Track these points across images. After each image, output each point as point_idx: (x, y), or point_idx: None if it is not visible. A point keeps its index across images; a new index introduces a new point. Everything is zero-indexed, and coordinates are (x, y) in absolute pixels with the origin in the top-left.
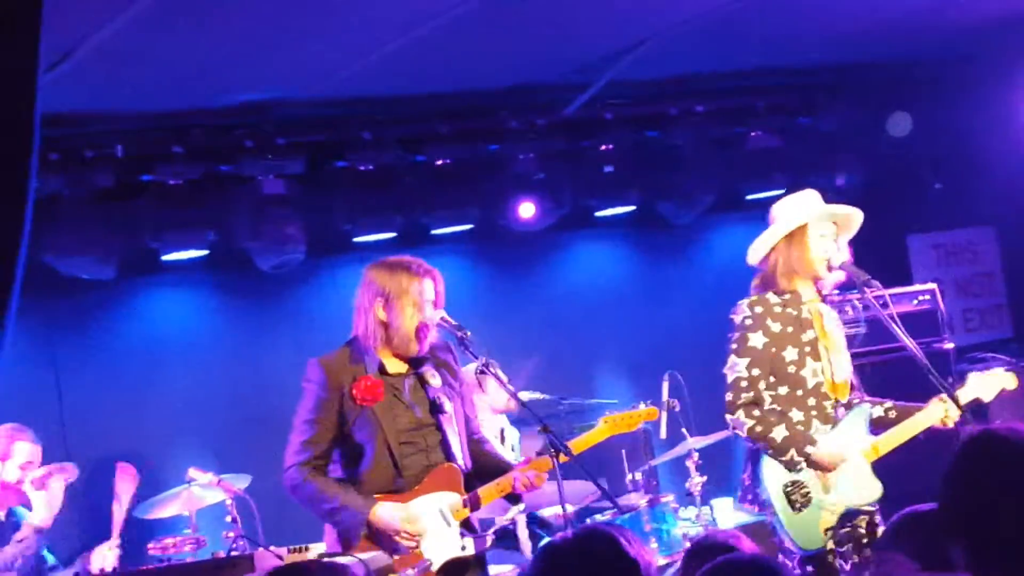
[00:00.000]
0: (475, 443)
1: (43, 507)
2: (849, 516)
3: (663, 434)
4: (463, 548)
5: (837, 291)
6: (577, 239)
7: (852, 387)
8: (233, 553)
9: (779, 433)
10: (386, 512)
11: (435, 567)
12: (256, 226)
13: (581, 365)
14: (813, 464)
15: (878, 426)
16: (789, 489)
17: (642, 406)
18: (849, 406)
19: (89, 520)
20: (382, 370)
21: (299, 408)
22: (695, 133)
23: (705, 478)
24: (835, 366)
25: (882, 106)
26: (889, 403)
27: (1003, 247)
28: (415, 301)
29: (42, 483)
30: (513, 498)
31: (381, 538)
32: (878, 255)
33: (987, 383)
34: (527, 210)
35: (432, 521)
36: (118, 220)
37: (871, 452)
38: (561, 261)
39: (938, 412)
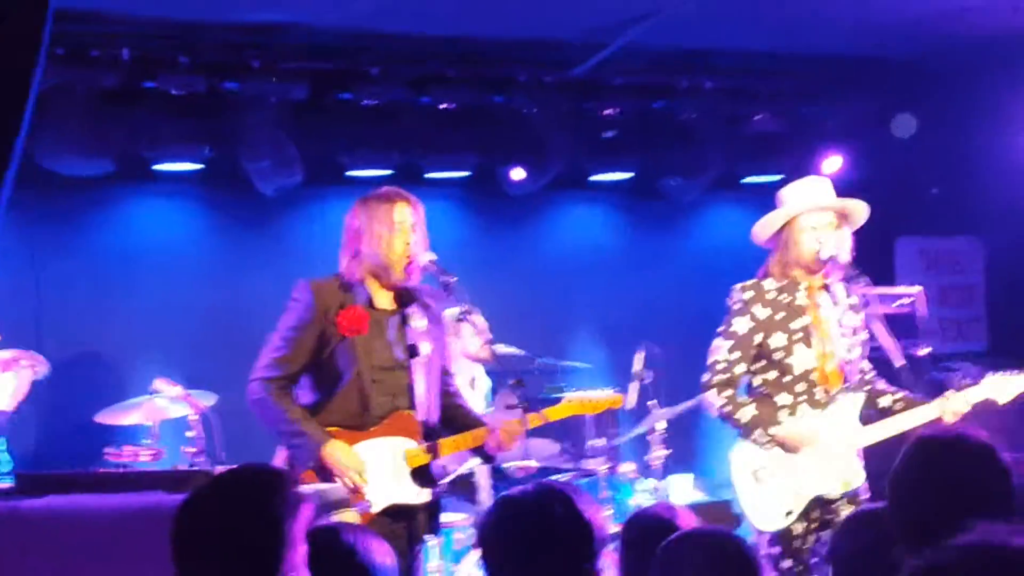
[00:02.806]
0: (449, 396)
1: (8, 388)
2: (822, 502)
3: (631, 403)
4: (416, 494)
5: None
6: (570, 200)
7: (847, 376)
8: (193, 468)
9: (746, 413)
10: (339, 450)
11: (375, 509)
12: (253, 147)
13: (559, 326)
14: (778, 443)
15: (885, 415)
16: (754, 470)
17: (610, 391)
18: (847, 392)
19: (48, 420)
20: (370, 303)
21: (279, 324)
22: (701, 109)
23: (668, 452)
24: (827, 355)
25: (888, 105)
26: (901, 394)
27: (988, 260)
28: (390, 225)
29: (9, 366)
30: (485, 456)
31: (327, 474)
32: (864, 253)
33: (1005, 385)
34: (518, 174)
35: (381, 464)
36: (115, 123)
37: (858, 441)
38: (552, 220)
39: (933, 413)
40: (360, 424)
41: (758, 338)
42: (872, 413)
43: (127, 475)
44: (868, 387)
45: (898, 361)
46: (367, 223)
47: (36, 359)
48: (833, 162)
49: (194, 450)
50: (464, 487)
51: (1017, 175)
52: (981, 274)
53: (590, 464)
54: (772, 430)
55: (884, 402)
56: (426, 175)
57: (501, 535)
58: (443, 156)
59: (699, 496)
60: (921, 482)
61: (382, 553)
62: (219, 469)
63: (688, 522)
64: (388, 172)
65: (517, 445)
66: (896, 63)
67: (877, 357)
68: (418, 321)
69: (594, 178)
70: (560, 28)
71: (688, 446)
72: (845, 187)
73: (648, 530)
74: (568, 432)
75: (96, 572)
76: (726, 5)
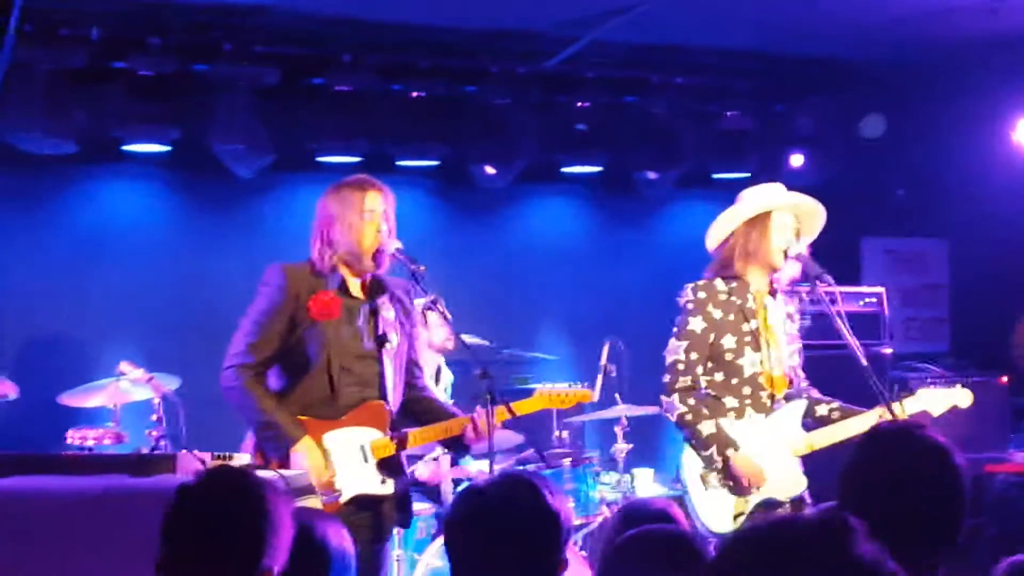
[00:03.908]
0: (416, 389)
1: None
2: (767, 506)
3: (595, 396)
4: (382, 484)
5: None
6: (540, 192)
7: (791, 382)
8: (156, 451)
9: (706, 428)
10: (307, 451)
11: (343, 499)
12: (223, 131)
13: (526, 317)
14: (728, 468)
15: (821, 423)
16: (703, 472)
17: (579, 386)
18: (788, 399)
19: (11, 401)
20: (343, 289)
21: (250, 309)
22: (672, 105)
23: (631, 446)
24: (773, 359)
25: (858, 105)
26: (836, 404)
27: (953, 262)
28: (361, 213)
29: None
30: (461, 447)
31: (296, 467)
32: (830, 253)
33: (939, 397)
34: (491, 169)
35: (348, 454)
36: (83, 103)
37: (802, 448)
38: (521, 211)
39: (871, 421)
40: (329, 413)
41: (711, 338)
42: (809, 422)
43: (90, 458)
44: (806, 393)
45: (862, 360)
46: (339, 210)
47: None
48: (796, 159)
49: (157, 433)
50: (423, 486)
51: (984, 177)
52: (946, 275)
53: (555, 455)
54: (728, 452)
55: (821, 411)
56: (396, 163)
57: (466, 525)
58: (413, 145)
59: (660, 490)
60: (873, 476)
61: (339, 537)
62: (181, 453)
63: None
64: (358, 159)
65: (482, 439)
66: (865, 65)
67: (840, 355)
68: (387, 311)
69: (565, 170)
70: (533, 20)
71: (649, 441)
72: (813, 187)
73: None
74: (531, 423)
75: (57, 554)
76: (699, 2)
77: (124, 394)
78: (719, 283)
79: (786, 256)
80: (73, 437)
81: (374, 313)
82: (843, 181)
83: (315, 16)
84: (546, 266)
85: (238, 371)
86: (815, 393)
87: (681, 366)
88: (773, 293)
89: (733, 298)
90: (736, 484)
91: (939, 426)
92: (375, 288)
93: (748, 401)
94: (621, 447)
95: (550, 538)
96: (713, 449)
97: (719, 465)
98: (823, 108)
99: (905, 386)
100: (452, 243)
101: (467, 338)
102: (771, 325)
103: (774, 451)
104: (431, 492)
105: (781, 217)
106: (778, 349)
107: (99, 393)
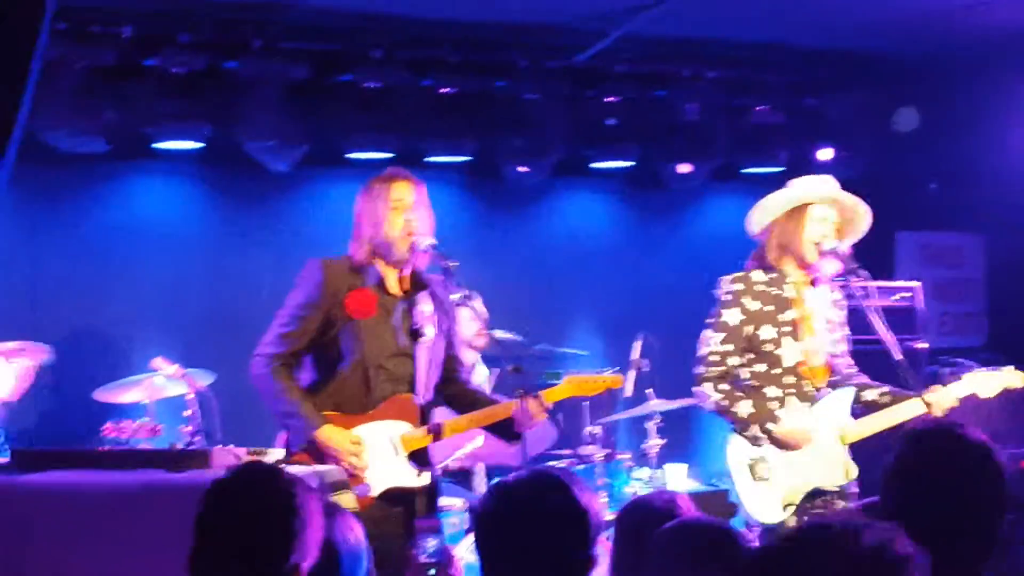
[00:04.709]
0: (458, 383)
1: (11, 379)
2: (817, 495)
3: (628, 391)
4: (413, 477)
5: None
6: (570, 188)
7: (833, 370)
8: (191, 447)
9: (743, 408)
10: (332, 434)
11: (374, 492)
12: (253, 127)
13: (557, 313)
14: (774, 441)
15: (872, 409)
16: (751, 463)
17: (608, 372)
18: (834, 387)
19: (46, 397)
20: (381, 286)
21: (288, 300)
22: (703, 99)
23: (663, 441)
24: (814, 349)
25: (891, 99)
26: (886, 388)
27: (989, 256)
28: (387, 202)
29: (10, 356)
30: (510, 434)
31: (322, 457)
32: (864, 248)
33: (988, 380)
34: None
35: (378, 448)
36: (115, 100)
37: (850, 435)
38: (551, 207)
39: (920, 407)
40: (362, 408)
41: (748, 330)
42: (857, 408)
43: (124, 453)
44: (852, 382)
45: (897, 355)
46: (368, 203)
47: (37, 348)
48: (824, 153)
49: (190, 429)
50: (458, 475)
51: (1018, 170)
52: (981, 269)
53: (587, 451)
54: (769, 425)
55: (869, 396)
56: (426, 159)
57: (496, 521)
58: (443, 140)
59: (694, 485)
60: (914, 476)
61: (349, 531)
62: (216, 449)
63: (687, 510)
64: (388, 155)
65: (537, 423)
66: (899, 58)
67: (875, 351)
68: (425, 305)
69: (595, 165)
70: (563, 15)
71: (682, 436)
72: (845, 181)
73: (646, 518)
74: (563, 419)
75: (92, 549)
76: None
77: (158, 390)
78: (758, 274)
79: (820, 251)
80: (109, 431)
81: (410, 308)
82: (877, 175)
83: (344, 11)
84: (577, 261)
85: (268, 359)
86: (864, 379)
87: (714, 357)
88: (815, 283)
89: (771, 289)
90: (785, 448)
91: (975, 422)
92: (413, 283)
93: (791, 391)
94: (653, 443)
95: (579, 535)
96: (756, 427)
97: (764, 441)
98: (855, 102)
99: (940, 381)
100: (483, 239)
101: (499, 333)
102: (811, 314)
103: (820, 439)
104: (463, 480)
105: (820, 210)
106: (819, 338)
107: (133, 389)
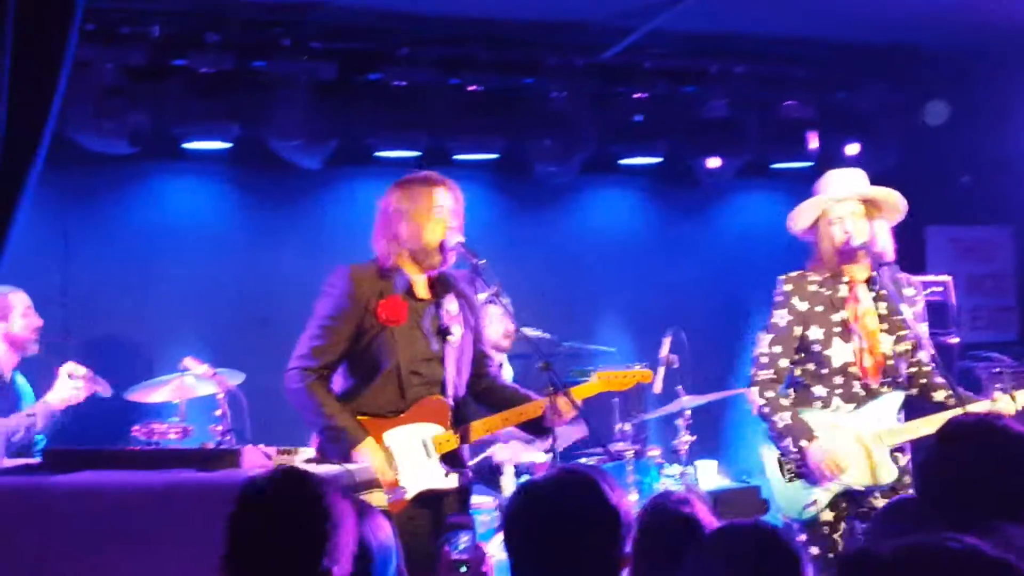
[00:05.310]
0: (488, 379)
1: (65, 391)
2: (851, 495)
3: (658, 388)
4: (446, 478)
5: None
6: (598, 185)
7: (886, 371)
8: (221, 446)
9: (782, 420)
10: (372, 454)
11: (409, 495)
12: (282, 127)
13: (585, 310)
14: (804, 458)
15: (941, 410)
16: (783, 459)
17: (638, 367)
18: (896, 387)
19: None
20: (409, 291)
21: (317, 310)
22: (731, 94)
23: (693, 438)
24: (866, 349)
25: (920, 92)
26: (949, 391)
27: (1019, 249)
28: (431, 209)
29: (74, 376)
30: (542, 431)
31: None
32: (895, 242)
33: None
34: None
35: (411, 451)
36: (144, 101)
37: (890, 438)
38: (579, 204)
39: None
40: (392, 412)
41: (798, 330)
42: (928, 406)
43: (155, 453)
44: (924, 380)
45: (930, 350)
46: (407, 206)
47: (101, 382)
48: (852, 148)
49: (221, 428)
50: (486, 473)
51: None
52: (1012, 263)
53: (618, 448)
54: (802, 443)
55: (938, 396)
56: (454, 157)
57: (525, 519)
58: (471, 138)
59: (724, 482)
60: (953, 469)
61: (379, 530)
62: (246, 448)
63: (704, 513)
64: (416, 154)
65: (565, 419)
66: (928, 51)
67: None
68: (451, 304)
69: (623, 162)
70: (590, 12)
71: (712, 432)
72: (874, 175)
73: (664, 520)
74: (593, 415)
75: (123, 548)
76: None
77: (188, 389)
78: (811, 274)
79: (844, 252)
80: (140, 432)
81: (437, 310)
82: (907, 169)
83: (372, 10)
84: (605, 258)
85: (302, 373)
86: (938, 378)
87: (764, 359)
88: (871, 281)
89: (823, 289)
90: (811, 474)
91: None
92: (440, 285)
93: (839, 391)
94: (684, 439)
95: (609, 534)
96: (789, 440)
97: (796, 456)
98: (884, 96)
99: (972, 375)
100: (511, 236)
101: (528, 331)
102: (863, 314)
103: (859, 441)
104: (491, 481)
105: (835, 209)
106: (872, 339)
107: (164, 389)
